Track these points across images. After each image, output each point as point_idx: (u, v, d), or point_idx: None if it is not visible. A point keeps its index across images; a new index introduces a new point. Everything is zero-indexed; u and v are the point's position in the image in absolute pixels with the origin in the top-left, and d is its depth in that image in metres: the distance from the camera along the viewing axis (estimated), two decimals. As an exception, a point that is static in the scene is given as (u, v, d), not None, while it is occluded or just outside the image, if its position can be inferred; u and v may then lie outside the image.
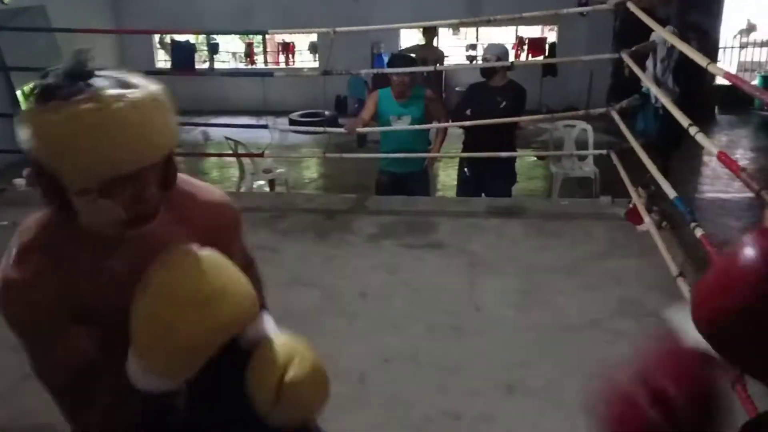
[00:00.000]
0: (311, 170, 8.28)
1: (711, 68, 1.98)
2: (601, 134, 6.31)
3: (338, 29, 4.35)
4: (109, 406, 1.13)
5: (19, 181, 5.09)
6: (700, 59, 2.14)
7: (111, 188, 1.03)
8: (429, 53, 7.23)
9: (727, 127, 10.59)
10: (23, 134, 1.03)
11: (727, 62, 12.29)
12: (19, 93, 8.03)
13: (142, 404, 1.08)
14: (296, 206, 4.64)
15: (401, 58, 4.89)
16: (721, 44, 11.43)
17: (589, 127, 6.35)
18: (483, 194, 4.78)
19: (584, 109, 5.77)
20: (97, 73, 1.05)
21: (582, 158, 6.36)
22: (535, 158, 7.45)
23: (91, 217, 1.08)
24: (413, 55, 5.36)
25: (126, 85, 1.05)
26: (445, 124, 4.62)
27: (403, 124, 4.45)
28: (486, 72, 4.49)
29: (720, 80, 12.00)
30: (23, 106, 1.11)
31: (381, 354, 2.84)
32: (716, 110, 10.95)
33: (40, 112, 1.01)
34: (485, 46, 4.79)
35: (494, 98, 4.44)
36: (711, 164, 7.84)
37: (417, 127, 4.46)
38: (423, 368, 2.71)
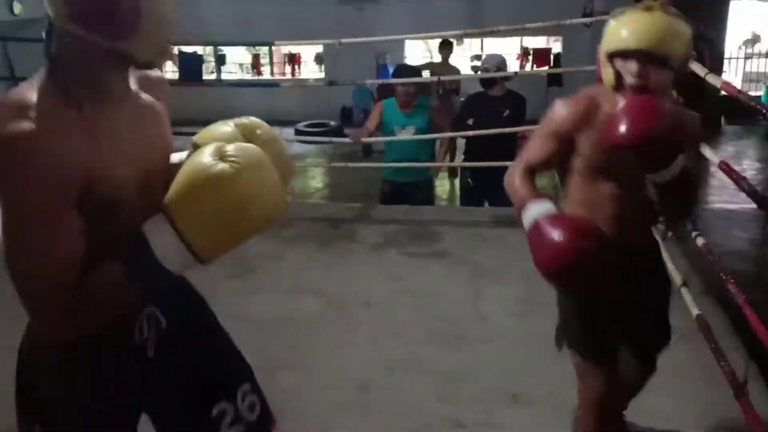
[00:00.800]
0: (317, 180, 8.30)
1: (709, 78, 1.98)
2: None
3: (343, 40, 4.38)
4: (106, 296, 1.08)
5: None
6: (699, 69, 2.14)
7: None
8: (446, 71, 7.13)
9: (734, 137, 10.56)
10: None
11: (733, 73, 12.29)
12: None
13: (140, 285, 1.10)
14: (300, 215, 4.65)
15: (406, 68, 4.91)
16: (726, 54, 11.43)
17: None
18: (486, 203, 4.79)
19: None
20: None
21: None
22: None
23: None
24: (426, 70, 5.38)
25: None
26: (449, 134, 4.63)
27: (407, 134, 4.47)
28: (486, 82, 4.51)
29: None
30: None
31: (384, 362, 2.84)
32: (722, 120, 10.94)
33: None
34: (485, 56, 4.81)
35: (495, 108, 4.45)
36: (718, 175, 7.81)
37: (421, 137, 4.47)
38: (426, 376, 2.71)
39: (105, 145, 1.10)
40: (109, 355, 1.19)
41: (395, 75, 4.69)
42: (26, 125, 0.99)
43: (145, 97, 1.23)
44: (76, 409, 1.19)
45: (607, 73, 1.60)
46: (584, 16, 9.58)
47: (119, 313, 1.12)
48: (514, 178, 1.77)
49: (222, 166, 1.05)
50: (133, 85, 1.21)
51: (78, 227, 1.05)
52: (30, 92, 1.05)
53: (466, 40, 12.01)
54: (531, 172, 1.79)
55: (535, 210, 1.63)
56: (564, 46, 11.96)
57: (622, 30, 1.58)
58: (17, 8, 7.94)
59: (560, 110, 1.73)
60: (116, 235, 1.08)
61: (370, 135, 4.61)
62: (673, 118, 1.51)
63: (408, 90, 4.35)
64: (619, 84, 1.59)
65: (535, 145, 1.78)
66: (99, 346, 1.16)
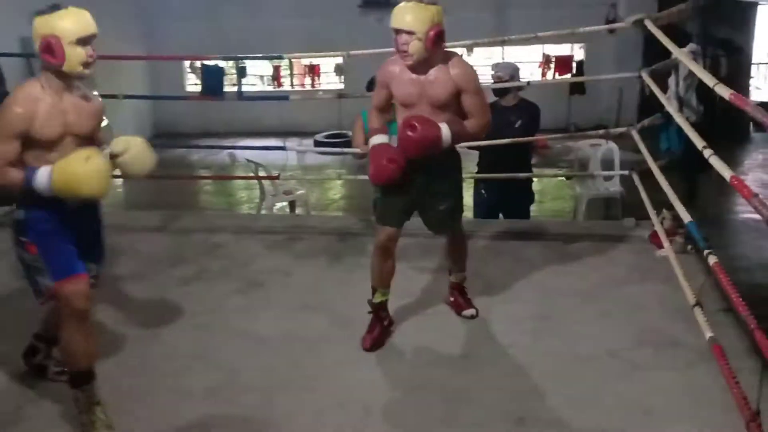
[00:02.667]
0: (334, 191, 8.27)
1: (718, 89, 1.88)
2: (630, 153, 6.15)
3: (352, 53, 4.34)
4: (12, 179, 2.27)
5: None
6: (708, 79, 2.05)
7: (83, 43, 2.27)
8: None
9: (763, 144, 10.29)
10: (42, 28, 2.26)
11: (762, 78, 11.98)
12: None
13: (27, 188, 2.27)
14: (312, 228, 4.61)
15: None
16: (755, 60, 11.15)
17: (614, 146, 6.21)
18: (501, 215, 4.69)
19: (614, 128, 5.64)
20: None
21: (608, 178, 6.22)
22: (563, 178, 7.31)
23: (74, 60, 2.26)
24: None
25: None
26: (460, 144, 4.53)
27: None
28: (498, 91, 4.42)
29: (755, 96, 11.70)
30: None
31: (389, 383, 2.76)
32: (751, 128, 10.66)
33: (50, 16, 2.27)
34: (496, 64, 4.70)
35: (508, 118, 4.36)
36: (746, 183, 7.58)
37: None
38: (430, 398, 2.63)
39: (51, 115, 2.29)
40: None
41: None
42: (16, 96, 2.28)
43: (85, 95, 2.42)
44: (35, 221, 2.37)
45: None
46: (608, 22, 9.43)
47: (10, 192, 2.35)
48: (370, 116, 2.98)
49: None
50: (81, 89, 2.40)
51: (13, 147, 2.25)
52: (30, 84, 2.32)
53: (489, 50, 11.90)
54: (378, 110, 2.93)
55: (373, 140, 2.84)
56: (587, 54, 11.80)
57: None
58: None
59: (380, 72, 2.88)
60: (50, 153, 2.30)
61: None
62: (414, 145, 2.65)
63: None
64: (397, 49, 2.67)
65: (375, 94, 2.92)
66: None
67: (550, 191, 7.72)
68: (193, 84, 12.82)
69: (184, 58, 12.16)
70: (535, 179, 4.96)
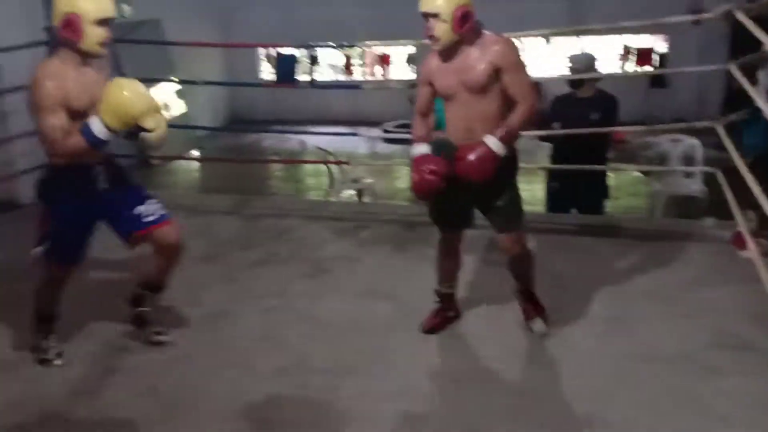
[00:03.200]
0: (401, 180, 8.25)
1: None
2: (713, 150, 5.87)
3: (424, 41, 4.28)
4: (74, 142, 2.40)
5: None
6: (756, 95, 1.90)
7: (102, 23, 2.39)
8: None
9: None
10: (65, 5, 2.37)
11: None
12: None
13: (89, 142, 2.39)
14: (378, 217, 4.62)
15: None
16: None
17: (697, 142, 5.95)
18: (573, 209, 4.57)
19: (696, 123, 5.39)
20: None
21: (689, 175, 5.96)
22: (639, 173, 7.06)
23: (92, 39, 2.39)
24: None
25: None
26: (532, 133, 4.43)
27: None
28: (574, 82, 4.29)
29: None
30: None
31: (452, 374, 2.74)
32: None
33: None
34: (572, 55, 4.56)
35: (584, 110, 4.23)
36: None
37: None
38: (494, 392, 2.59)
39: (77, 86, 2.44)
40: (80, 175, 2.57)
41: None
42: (43, 72, 2.41)
43: (98, 69, 2.55)
44: (60, 203, 2.58)
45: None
46: (692, 13, 9.00)
47: (81, 159, 2.50)
48: (414, 122, 2.84)
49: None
50: (96, 64, 2.53)
51: (61, 117, 2.39)
52: (48, 61, 2.49)
53: (564, 40, 11.59)
54: (422, 115, 2.81)
55: (415, 149, 2.73)
56: (670, 46, 11.32)
57: None
58: (126, 11, 8.38)
59: (421, 69, 2.76)
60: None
61: None
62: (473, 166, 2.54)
63: None
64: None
65: (418, 96, 2.81)
66: (75, 170, 2.55)
67: (625, 187, 7.47)
68: (267, 72, 13.07)
69: (259, 45, 12.39)
70: (610, 174, 4.80)
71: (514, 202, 2.78)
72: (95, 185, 2.59)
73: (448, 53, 2.58)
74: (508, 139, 2.56)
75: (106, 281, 3.50)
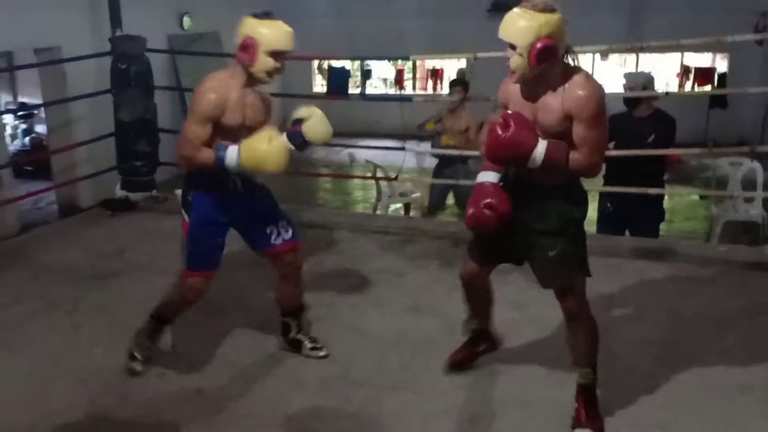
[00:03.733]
0: (449, 196, 8.20)
1: None
2: (775, 174, 5.68)
3: (479, 55, 4.27)
4: (205, 159, 2.48)
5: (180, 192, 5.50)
6: None
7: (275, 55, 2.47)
8: (453, 121, 6.32)
9: None
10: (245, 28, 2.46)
11: None
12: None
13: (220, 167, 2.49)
14: (425, 232, 4.59)
15: None
16: None
17: (758, 166, 5.74)
18: (627, 232, 4.45)
19: (757, 145, 5.21)
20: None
21: (750, 200, 5.75)
22: (698, 197, 6.85)
23: (261, 66, 2.46)
24: None
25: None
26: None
27: None
28: (630, 101, 4.19)
29: None
30: None
31: (496, 396, 2.69)
32: None
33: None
34: (628, 74, 4.46)
35: (640, 129, 4.13)
36: None
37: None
38: (538, 417, 2.53)
39: (236, 104, 2.50)
40: (216, 183, 2.60)
41: None
42: (211, 83, 2.50)
43: (261, 93, 2.66)
44: (197, 208, 2.61)
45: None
46: (756, 32, 8.71)
47: (210, 170, 2.52)
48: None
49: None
50: (259, 88, 2.62)
51: (206, 130, 2.47)
52: (222, 72, 2.55)
53: (622, 57, 11.39)
54: None
55: (481, 176, 2.42)
56: (731, 65, 10.98)
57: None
58: (187, 23, 8.62)
59: (500, 90, 2.44)
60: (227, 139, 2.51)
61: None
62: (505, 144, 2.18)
63: None
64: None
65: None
66: (210, 178, 2.58)
67: (682, 210, 7.25)
68: (320, 85, 13.23)
69: (313, 57, 12.54)
70: (666, 196, 4.67)
71: (564, 257, 2.33)
72: (231, 192, 2.62)
73: (526, 85, 2.26)
74: (553, 158, 2.17)
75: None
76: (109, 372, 2.82)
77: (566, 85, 2.17)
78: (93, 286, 3.71)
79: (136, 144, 5.04)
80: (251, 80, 2.53)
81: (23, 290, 3.66)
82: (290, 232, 2.77)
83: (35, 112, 9.19)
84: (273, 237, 2.73)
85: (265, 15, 2.48)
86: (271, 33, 2.44)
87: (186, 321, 2.93)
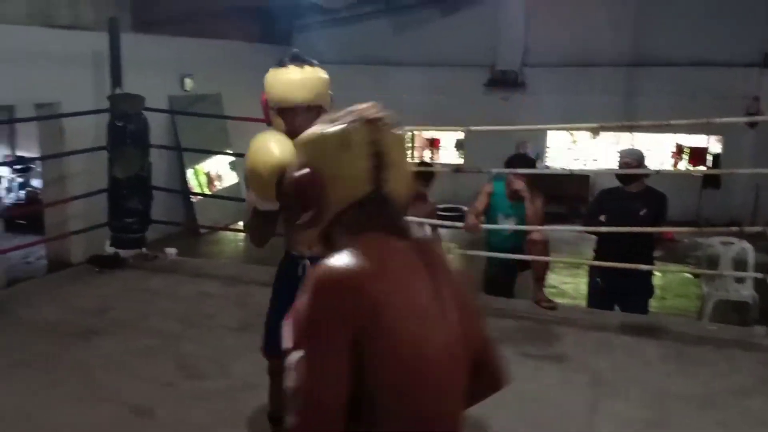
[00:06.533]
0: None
1: None
2: (765, 255, 5.68)
3: (473, 128, 4.37)
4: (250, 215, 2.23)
5: (170, 251, 5.48)
6: None
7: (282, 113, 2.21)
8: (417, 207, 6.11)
9: None
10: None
11: None
12: (189, 172, 8.73)
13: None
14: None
15: (521, 158, 4.80)
16: None
17: (749, 246, 5.75)
18: (617, 307, 4.42)
19: (748, 226, 5.24)
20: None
21: (740, 280, 5.73)
22: (689, 275, 6.83)
23: (278, 128, 2.21)
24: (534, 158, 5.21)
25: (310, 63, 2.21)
26: (578, 228, 4.38)
27: (510, 224, 4.36)
28: (623, 177, 4.24)
29: None
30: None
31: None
32: None
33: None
34: (622, 150, 4.54)
35: (632, 205, 4.15)
36: None
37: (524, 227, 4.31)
38: None
39: None
40: (288, 265, 2.38)
41: (507, 164, 4.55)
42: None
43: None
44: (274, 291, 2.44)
45: None
46: (748, 115, 8.91)
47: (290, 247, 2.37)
48: None
49: None
50: None
51: None
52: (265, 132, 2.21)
53: (616, 135, 11.61)
54: None
55: None
56: (724, 147, 11.19)
57: None
58: (188, 84, 8.79)
59: None
60: None
61: (478, 215, 4.44)
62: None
63: (518, 181, 4.27)
64: None
65: None
66: (286, 259, 2.39)
67: (673, 287, 7.22)
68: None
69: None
70: (657, 273, 4.66)
71: None
72: (298, 276, 2.25)
73: None
74: None
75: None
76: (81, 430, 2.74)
77: None
78: (73, 343, 3.65)
79: (128, 201, 5.07)
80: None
81: (1, 345, 3.60)
82: None
83: (32, 165, 9.27)
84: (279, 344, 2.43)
85: (284, 61, 2.17)
86: (274, 89, 2.16)
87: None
